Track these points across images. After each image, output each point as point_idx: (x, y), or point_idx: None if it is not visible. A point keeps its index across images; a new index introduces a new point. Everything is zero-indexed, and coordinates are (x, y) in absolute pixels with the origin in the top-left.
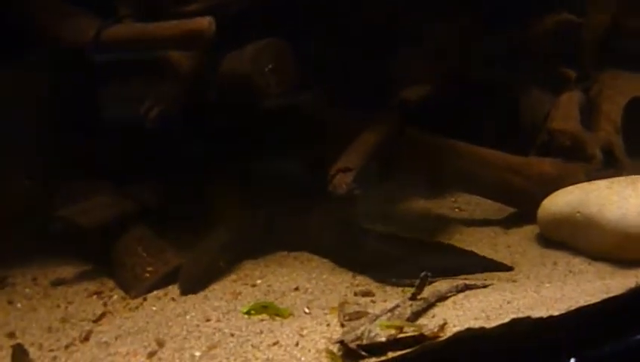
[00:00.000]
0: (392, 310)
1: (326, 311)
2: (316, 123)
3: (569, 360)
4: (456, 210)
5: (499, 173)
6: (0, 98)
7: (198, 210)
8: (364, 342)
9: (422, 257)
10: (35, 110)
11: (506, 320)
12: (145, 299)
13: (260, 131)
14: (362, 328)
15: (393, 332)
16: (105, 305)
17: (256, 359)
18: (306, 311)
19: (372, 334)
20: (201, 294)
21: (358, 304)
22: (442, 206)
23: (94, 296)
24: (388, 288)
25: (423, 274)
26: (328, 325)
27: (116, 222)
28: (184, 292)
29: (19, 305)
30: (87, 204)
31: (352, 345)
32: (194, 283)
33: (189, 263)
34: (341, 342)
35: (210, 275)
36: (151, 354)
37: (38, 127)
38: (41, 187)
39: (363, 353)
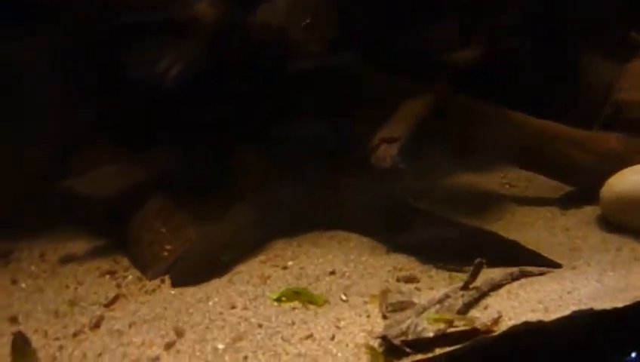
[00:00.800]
0: (441, 301)
1: (366, 299)
2: (356, 87)
3: (632, 354)
4: (507, 186)
5: (559, 147)
6: (16, 61)
7: (224, 179)
8: (410, 337)
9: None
10: (52, 73)
11: (566, 312)
12: (163, 281)
13: (293, 94)
14: (408, 321)
15: (442, 326)
16: (118, 286)
17: (287, 354)
18: (343, 298)
19: (419, 328)
20: (226, 277)
21: (401, 292)
22: (491, 181)
23: (107, 276)
24: (433, 273)
25: (478, 260)
26: (369, 316)
27: (127, 192)
28: (176, 284)
29: (23, 285)
30: (96, 173)
31: (396, 341)
32: (188, 277)
33: (187, 253)
34: (384, 338)
35: (209, 270)
36: (169, 345)
37: (56, 91)
38: (58, 154)
39: (407, 349)
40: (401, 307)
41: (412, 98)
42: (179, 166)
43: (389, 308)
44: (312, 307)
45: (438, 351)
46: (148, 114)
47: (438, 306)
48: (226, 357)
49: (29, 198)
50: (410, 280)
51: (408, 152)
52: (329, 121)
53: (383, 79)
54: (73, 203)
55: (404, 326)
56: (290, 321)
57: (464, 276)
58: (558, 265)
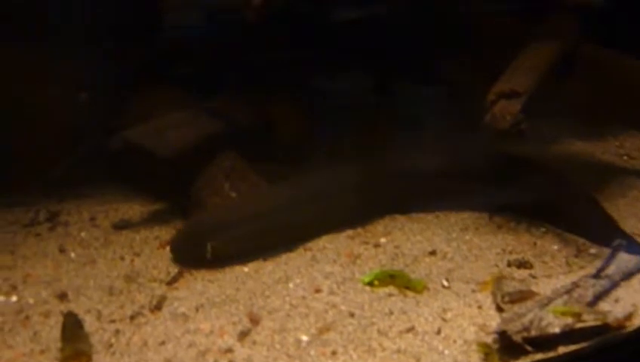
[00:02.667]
0: (569, 291)
1: (473, 287)
2: (463, 26)
3: None
4: (625, 157)
5: None
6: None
7: (300, 134)
8: (533, 333)
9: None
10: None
11: None
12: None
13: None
14: (530, 315)
15: (570, 321)
16: None
17: (383, 350)
18: (445, 283)
19: (543, 323)
20: (308, 255)
21: (513, 278)
22: (605, 150)
23: (168, 248)
24: (547, 258)
25: (617, 242)
26: (480, 307)
27: (193, 147)
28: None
29: (73, 255)
30: (160, 122)
31: (517, 338)
32: (184, 255)
33: (180, 233)
34: (502, 334)
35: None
36: (243, 335)
37: (100, 32)
38: (101, 103)
39: (528, 348)
40: (521, 297)
41: (533, 44)
42: (253, 116)
43: (506, 299)
44: (409, 294)
45: (562, 350)
46: (215, 53)
47: (565, 297)
48: (311, 352)
49: (75, 152)
50: (522, 265)
51: (530, 110)
52: (427, 67)
53: (496, 21)
54: (130, 158)
55: (526, 321)
56: (387, 310)
57: (581, 261)
58: None
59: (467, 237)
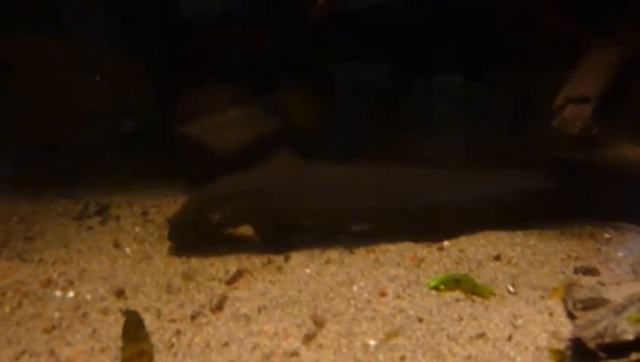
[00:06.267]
0: None
1: (541, 293)
2: (531, 31)
3: None
4: None
5: None
6: None
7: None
8: (607, 340)
9: None
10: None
11: None
12: (288, 258)
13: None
14: (605, 322)
15: None
16: (239, 259)
17: (454, 355)
18: (511, 289)
19: (617, 330)
20: (371, 257)
21: (581, 285)
22: None
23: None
24: (613, 265)
25: None
26: (551, 314)
27: (256, 144)
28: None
29: (128, 250)
30: (218, 118)
31: (591, 345)
32: (181, 238)
33: (176, 215)
34: (577, 340)
35: (202, 233)
36: (308, 338)
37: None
38: (118, 86)
39: (601, 354)
40: (593, 304)
41: (599, 47)
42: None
43: (578, 306)
44: (477, 299)
45: (635, 357)
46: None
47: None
48: (380, 356)
49: (121, 146)
50: (589, 271)
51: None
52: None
53: (562, 23)
54: (188, 154)
55: (600, 327)
56: (456, 316)
57: None
58: None
59: (531, 242)
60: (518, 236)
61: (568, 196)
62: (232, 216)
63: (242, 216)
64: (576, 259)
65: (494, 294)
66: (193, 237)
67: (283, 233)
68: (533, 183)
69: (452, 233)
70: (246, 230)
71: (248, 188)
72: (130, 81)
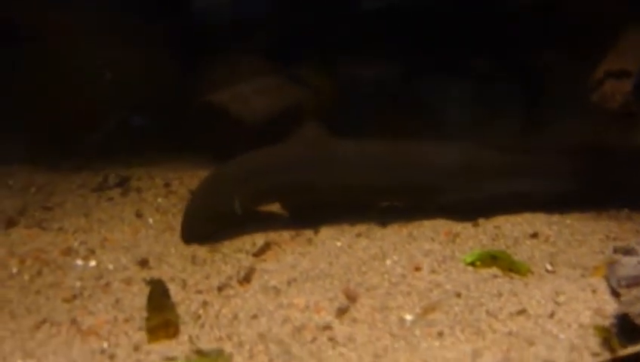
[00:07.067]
0: None
1: (582, 272)
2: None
3: None
4: None
5: None
6: None
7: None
8: None
9: None
10: None
11: None
12: (317, 231)
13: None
14: None
15: None
16: (265, 230)
17: (494, 332)
18: (549, 268)
19: None
20: (404, 231)
21: (622, 265)
22: None
23: (254, 213)
24: None
25: None
26: (594, 291)
27: (284, 115)
28: (186, 241)
29: (150, 221)
30: (246, 87)
31: (639, 321)
32: (199, 232)
33: (193, 203)
34: (623, 317)
35: (224, 221)
36: (341, 312)
37: None
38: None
39: None
40: (637, 282)
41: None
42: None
43: (623, 283)
44: (515, 276)
45: None
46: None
47: None
48: (416, 332)
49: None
50: (628, 252)
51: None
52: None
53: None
54: (212, 124)
55: None
56: (495, 291)
57: None
58: None
59: (568, 222)
60: (555, 215)
61: (605, 180)
62: (256, 195)
63: (268, 194)
64: (615, 239)
65: (532, 272)
66: (215, 228)
67: (312, 210)
68: (569, 167)
69: (488, 213)
70: (273, 207)
71: (275, 164)
72: (152, 52)
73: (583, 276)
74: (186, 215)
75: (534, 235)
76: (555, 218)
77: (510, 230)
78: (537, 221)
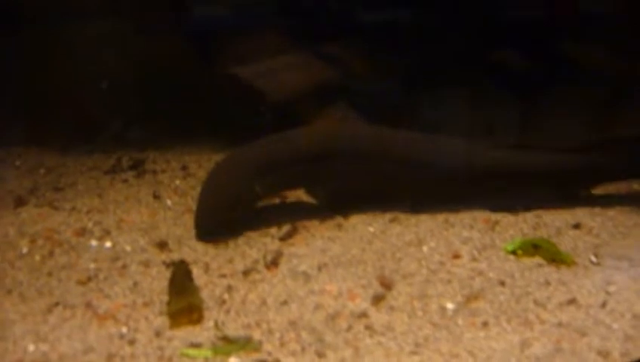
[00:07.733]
0: None
1: (629, 263)
2: None
3: None
4: None
5: None
6: None
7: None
8: None
9: None
10: None
11: None
12: (347, 217)
13: None
14: None
15: None
16: (292, 214)
17: (542, 322)
18: (593, 259)
19: None
20: (440, 217)
21: None
22: None
23: (276, 199)
24: None
25: None
26: None
27: (310, 94)
28: (201, 237)
29: (169, 202)
30: (272, 62)
31: None
32: (217, 226)
33: (206, 194)
34: None
35: (243, 215)
36: (377, 299)
37: None
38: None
39: None
40: None
41: None
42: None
43: None
44: (560, 266)
45: None
46: None
47: None
48: (459, 321)
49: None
50: None
51: None
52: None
53: None
54: (236, 100)
55: None
56: (542, 280)
57: None
58: None
59: (611, 214)
60: (597, 205)
61: None
62: (280, 183)
63: (294, 181)
64: None
65: (576, 263)
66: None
67: (343, 196)
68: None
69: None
70: (299, 194)
71: (302, 149)
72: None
73: (632, 266)
74: (199, 208)
75: (577, 226)
76: (598, 210)
77: (551, 219)
78: (579, 211)
